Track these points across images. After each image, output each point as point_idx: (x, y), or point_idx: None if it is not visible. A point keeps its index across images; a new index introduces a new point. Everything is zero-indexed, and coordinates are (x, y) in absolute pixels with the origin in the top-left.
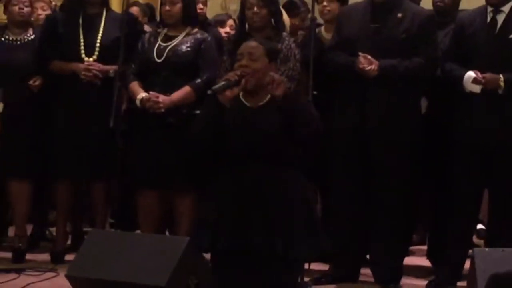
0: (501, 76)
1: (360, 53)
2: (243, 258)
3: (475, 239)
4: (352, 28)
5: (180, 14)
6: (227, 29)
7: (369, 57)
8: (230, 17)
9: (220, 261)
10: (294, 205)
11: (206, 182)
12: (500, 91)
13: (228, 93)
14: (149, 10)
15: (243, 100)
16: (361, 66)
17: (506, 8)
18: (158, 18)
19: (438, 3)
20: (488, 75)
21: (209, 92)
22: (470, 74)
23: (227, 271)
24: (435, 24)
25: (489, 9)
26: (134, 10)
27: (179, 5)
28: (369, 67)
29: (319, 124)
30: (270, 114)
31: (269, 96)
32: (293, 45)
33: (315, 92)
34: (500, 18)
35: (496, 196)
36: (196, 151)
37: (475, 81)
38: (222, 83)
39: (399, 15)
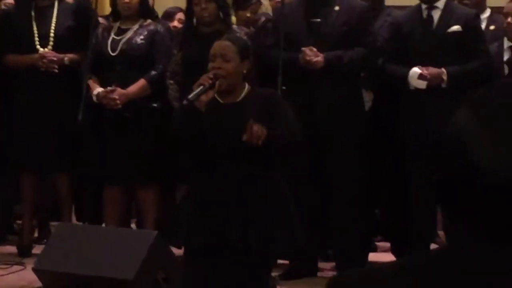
0: (443, 69)
1: (303, 48)
2: (217, 253)
3: (442, 234)
4: (290, 25)
5: (136, 6)
6: (175, 23)
7: (314, 49)
8: (180, 10)
9: (193, 257)
10: (268, 201)
11: (170, 174)
12: (443, 85)
13: (203, 97)
14: (84, 2)
15: (217, 98)
16: (308, 58)
17: (440, 4)
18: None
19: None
20: (430, 70)
21: (184, 102)
22: (416, 70)
23: (200, 266)
24: (371, 14)
25: (424, 6)
26: (69, 1)
27: None
28: (315, 59)
29: (297, 135)
30: (245, 112)
31: (244, 92)
32: (244, 37)
33: (284, 88)
34: (436, 14)
35: None
36: (181, 147)
37: (421, 77)
38: (197, 90)
39: (336, 8)
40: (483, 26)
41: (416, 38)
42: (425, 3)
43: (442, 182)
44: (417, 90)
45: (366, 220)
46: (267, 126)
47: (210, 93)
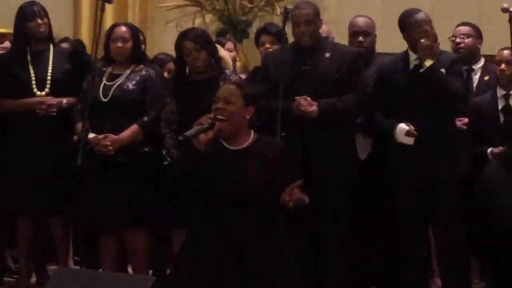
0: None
1: (297, 97)
2: None
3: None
4: (281, 73)
5: (130, 51)
6: (165, 73)
7: (308, 98)
8: (171, 59)
9: None
10: (270, 254)
11: (161, 218)
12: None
13: (202, 137)
14: (79, 46)
15: (223, 142)
16: (303, 108)
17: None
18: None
19: (360, 48)
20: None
21: (180, 138)
22: (403, 127)
23: None
24: (361, 62)
25: (413, 56)
26: (64, 46)
27: (130, 43)
28: (310, 109)
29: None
30: (251, 159)
31: (250, 139)
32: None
33: (283, 134)
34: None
35: (442, 237)
36: (177, 189)
37: (408, 133)
38: (195, 128)
39: (327, 54)
40: (477, 76)
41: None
42: None
43: (476, 234)
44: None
45: (358, 271)
46: (268, 176)
47: (210, 134)
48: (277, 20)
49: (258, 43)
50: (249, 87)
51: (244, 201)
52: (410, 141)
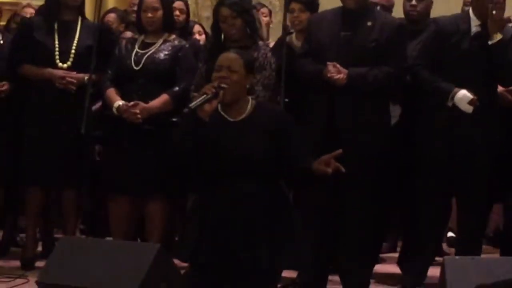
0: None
1: (328, 62)
2: (223, 269)
3: (445, 247)
4: (322, 36)
5: (160, 20)
6: (196, 35)
7: (338, 65)
8: (195, 22)
9: (199, 272)
10: (275, 217)
11: (179, 190)
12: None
13: (206, 107)
14: (127, 17)
15: (222, 113)
16: (329, 75)
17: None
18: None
19: (411, 12)
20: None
21: (185, 110)
22: (467, 94)
23: (205, 281)
24: (405, 34)
25: (476, 21)
26: (111, 17)
27: (160, 12)
28: (337, 76)
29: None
30: (252, 129)
31: (249, 108)
32: (269, 54)
33: (286, 100)
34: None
35: (463, 204)
36: (176, 163)
37: (471, 102)
38: (200, 98)
39: (369, 23)
40: None
41: (463, 50)
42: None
43: None
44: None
45: (376, 238)
46: (270, 144)
47: (214, 103)
48: None
49: (287, 9)
50: (247, 55)
51: (247, 172)
52: (469, 109)
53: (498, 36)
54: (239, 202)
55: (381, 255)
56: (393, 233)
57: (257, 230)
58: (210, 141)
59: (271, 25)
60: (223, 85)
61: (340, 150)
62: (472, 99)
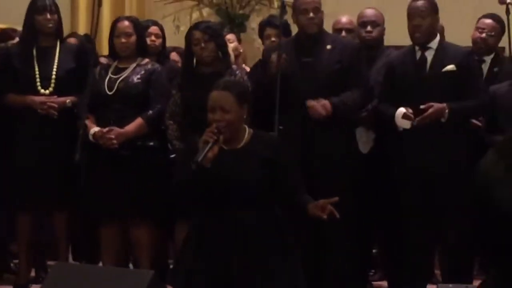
0: (445, 105)
1: (309, 101)
2: None
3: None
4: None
5: (134, 45)
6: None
7: (323, 101)
8: (173, 49)
9: None
10: (271, 246)
11: (166, 212)
12: (443, 120)
13: (210, 154)
14: (87, 42)
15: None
16: (318, 113)
17: (433, 44)
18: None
19: (367, 37)
20: (432, 107)
21: (193, 166)
22: (401, 109)
23: None
24: (363, 54)
25: (417, 47)
26: (72, 41)
27: (133, 37)
28: (325, 113)
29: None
30: (248, 157)
31: (246, 137)
32: (245, 77)
33: (280, 127)
34: (429, 55)
35: (445, 230)
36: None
37: (405, 116)
38: (204, 150)
39: (328, 46)
40: (487, 67)
41: (410, 80)
42: (417, 45)
43: (476, 227)
44: (404, 130)
45: (358, 260)
46: (266, 173)
47: (216, 149)
48: (274, 13)
49: (262, 36)
50: (238, 85)
51: (243, 200)
52: (407, 124)
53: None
54: (235, 230)
55: (373, 283)
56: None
57: (253, 258)
58: (207, 170)
59: (241, 50)
60: (221, 130)
61: (336, 198)
62: (405, 113)
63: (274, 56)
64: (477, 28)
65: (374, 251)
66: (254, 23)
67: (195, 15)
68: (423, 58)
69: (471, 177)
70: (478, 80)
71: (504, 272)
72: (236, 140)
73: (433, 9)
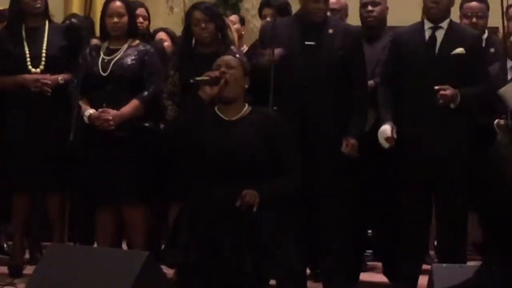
0: (457, 91)
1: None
2: (212, 274)
3: (433, 255)
4: (284, 46)
5: (125, 26)
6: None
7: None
8: (160, 30)
9: (187, 276)
10: (263, 222)
11: (161, 194)
12: (452, 106)
13: (207, 89)
14: (88, 23)
15: (219, 113)
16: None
17: (444, 24)
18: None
19: (368, 18)
20: (448, 90)
21: (191, 81)
22: (386, 130)
23: (194, 286)
24: (361, 41)
25: (427, 25)
26: (73, 21)
27: (125, 17)
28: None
29: (292, 186)
30: (247, 129)
31: (245, 110)
32: (244, 59)
33: (275, 108)
34: (440, 35)
35: (441, 209)
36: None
37: (388, 140)
38: (205, 77)
39: (330, 31)
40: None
41: (418, 59)
42: (430, 21)
43: (483, 206)
44: (416, 112)
45: (354, 239)
46: (265, 149)
47: (215, 89)
48: None
49: (261, 15)
50: (243, 60)
51: (240, 170)
52: (385, 145)
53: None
54: (229, 203)
55: (368, 263)
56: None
57: (245, 234)
58: (205, 139)
59: (243, 32)
60: (225, 71)
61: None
62: (388, 137)
63: (267, 51)
64: (464, 15)
65: (369, 231)
66: (248, 3)
67: None
68: (433, 38)
69: (472, 161)
70: (484, 65)
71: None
72: (236, 112)
73: None
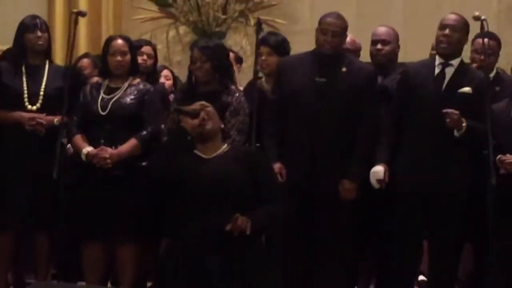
0: (463, 120)
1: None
2: None
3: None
4: (295, 81)
5: (128, 64)
6: (162, 79)
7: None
8: (164, 68)
9: None
10: (250, 253)
11: (151, 235)
12: (456, 134)
13: (189, 120)
14: (100, 62)
15: (198, 153)
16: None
17: (455, 62)
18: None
19: (378, 56)
20: (455, 114)
21: (174, 108)
22: (379, 172)
23: None
24: (376, 80)
25: (438, 61)
26: (85, 62)
27: (128, 56)
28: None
29: (280, 216)
30: (227, 163)
31: (224, 147)
32: (242, 98)
33: (257, 144)
34: (449, 72)
35: (435, 246)
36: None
37: (379, 181)
38: (187, 108)
39: (344, 69)
40: None
41: (425, 93)
42: (441, 57)
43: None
44: (418, 143)
45: (350, 269)
46: (247, 179)
47: (196, 121)
48: (251, 31)
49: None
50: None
51: (223, 202)
52: (376, 185)
53: (460, 131)
54: (214, 236)
55: None
56: (366, 276)
57: (231, 262)
58: (186, 177)
59: (241, 70)
60: (205, 109)
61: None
62: (380, 180)
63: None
64: (474, 50)
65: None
66: (231, 40)
67: (172, 33)
68: (442, 74)
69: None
70: (489, 105)
71: None
72: (215, 149)
73: (465, 28)
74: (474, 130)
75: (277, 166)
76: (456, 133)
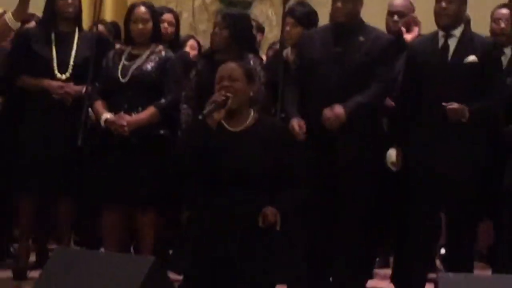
0: (465, 107)
1: (324, 110)
2: (219, 281)
3: (439, 264)
4: (314, 52)
5: (150, 32)
6: (187, 48)
7: (337, 108)
8: (191, 37)
9: (195, 284)
10: (272, 229)
11: (172, 205)
12: (463, 120)
13: (216, 115)
14: (114, 29)
15: (225, 124)
16: (327, 123)
17: (457, 32)
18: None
19: (394, 28)
20: (454, 105)
21: (200, 117)
22: (392, 155)
23: None
24: (395, 48)
25: (440, 34)
26: (100, 29)
27: (150, 23)
28: (336, 124)
29: (301, 197)
30: (251, 140)
31: (250, 120)
32: (258, 67)
33: (283, 115)
34: (452, 43)
35: (452, 220)
36: (178, 169)
37: (393, 164)
38: (211, 106)
39: (361, 38)
40: (507, 59)
41: (430, 69)
42: (441, 29)
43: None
44: (432, 123)
45: (368, 246)
46: (269, 157)
47: (222, 112)
48: (277, 1)
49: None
50: (247, 65)
51: (244, 183)
52: (393, 169)
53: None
54: (236, 213)
55: (374, 270)
56: (385, 249)
57: (253, 242)
58: (211, 150)
59: (262, 40)
60: (228, 94)
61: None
62: (393, 162)
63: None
64: (494, 20)
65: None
66: (256, 10)
67: (198, 1)
68: (445, 46)
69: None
70: (497, 74)
71: None
72: (241, 122)
73: None
74: (480, 112)
75: (295, 121)
76: (463, 120)
